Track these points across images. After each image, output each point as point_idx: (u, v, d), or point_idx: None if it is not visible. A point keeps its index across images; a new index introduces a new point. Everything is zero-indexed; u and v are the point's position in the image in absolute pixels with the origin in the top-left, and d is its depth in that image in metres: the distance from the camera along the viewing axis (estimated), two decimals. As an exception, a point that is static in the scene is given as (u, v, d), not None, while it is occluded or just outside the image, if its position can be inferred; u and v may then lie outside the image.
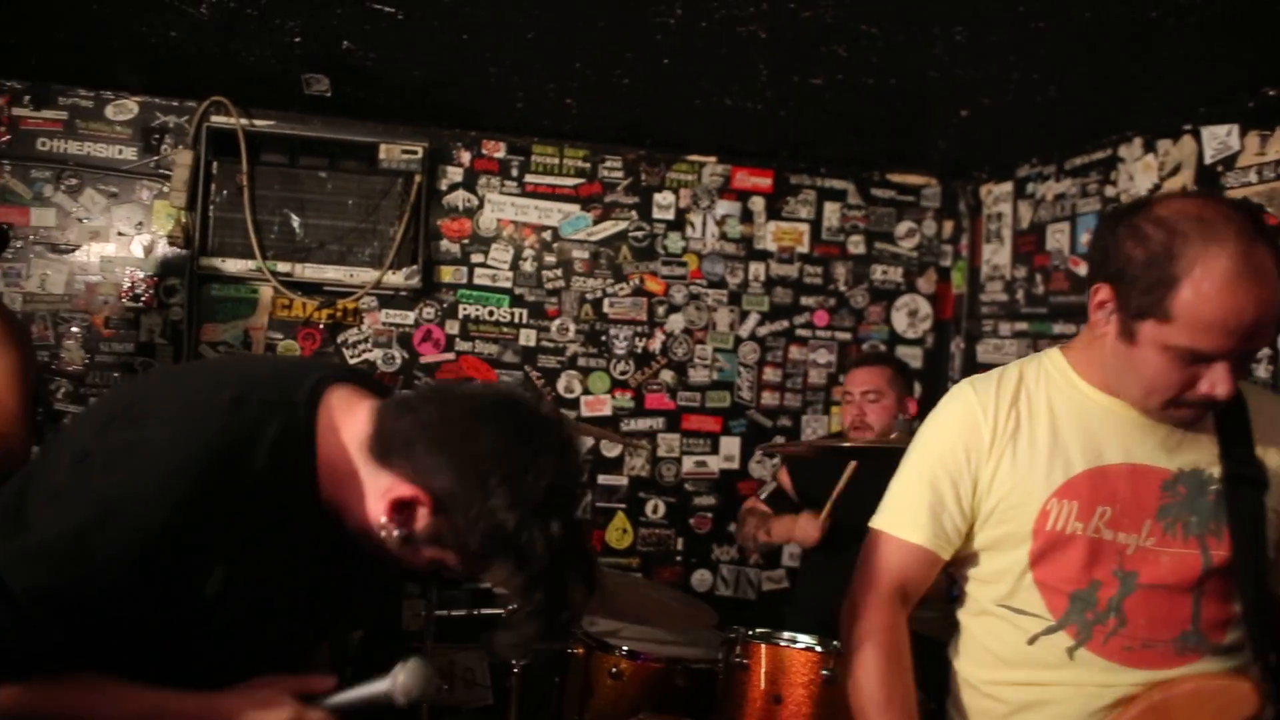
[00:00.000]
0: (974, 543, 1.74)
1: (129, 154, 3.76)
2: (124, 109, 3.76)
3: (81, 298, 3.73)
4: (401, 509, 1.31)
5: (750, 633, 2.49)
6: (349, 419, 1.38)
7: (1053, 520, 1.64)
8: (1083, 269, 3.57)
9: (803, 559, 3.55)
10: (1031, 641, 1.67)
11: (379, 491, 1.33)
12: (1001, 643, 1.72)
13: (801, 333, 4.22)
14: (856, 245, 4.26)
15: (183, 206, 3.67)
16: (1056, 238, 3.73)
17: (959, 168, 4.25)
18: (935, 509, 1.72)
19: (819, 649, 2.41)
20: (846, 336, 4.25)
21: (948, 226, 4.34)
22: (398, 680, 1.38)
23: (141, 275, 3.76)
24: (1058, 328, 3.69)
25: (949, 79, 3.11)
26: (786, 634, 2.48)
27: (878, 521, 1.80)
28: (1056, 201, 3.73)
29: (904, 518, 1.76)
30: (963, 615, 1.81)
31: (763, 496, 3.45)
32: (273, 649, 1.46)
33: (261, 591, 1.37)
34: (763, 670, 2.43)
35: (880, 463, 2.80)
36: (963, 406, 1.76)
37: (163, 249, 3.76)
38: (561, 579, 1.30)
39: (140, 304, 3.75)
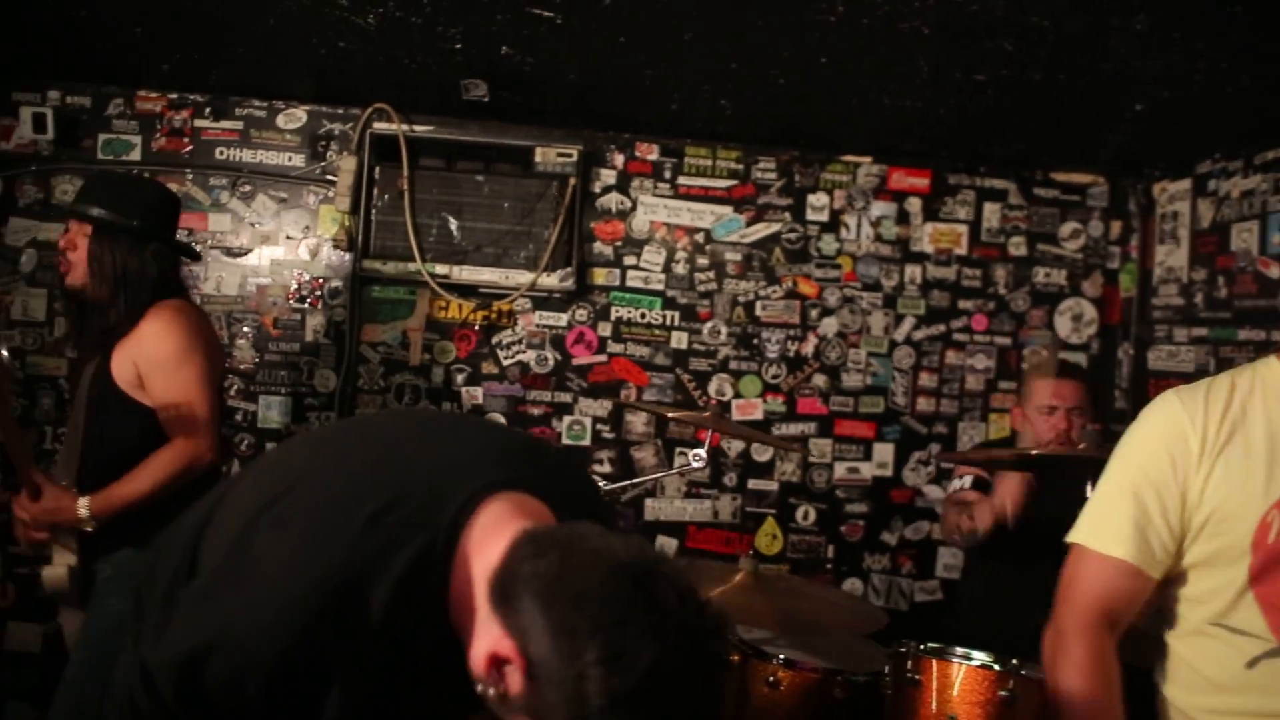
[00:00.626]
0: (1184, 559, 1.64)
1: (297, 161, 3.90)
2: (293, 118, 3.90)
3: (253, 299, 3.88)
4: (498, 666, 1.17)
5: (922, 647, 2.40)
6: (487, 547, 1.25)
7: (1275, 533, 1.53)
8: (1274, 271, 3.34)
9: (966, 570, 3.41)
10: (1251, 665, 1.56)
11: (485, 641, 1.19)
12: (1216, 666, 1.61)
13: (959, 337, 4.08)
14: (1018, 247, 4.10)
15: (347, 210, 3.79)
16: (1243, 238, 3.49)
17: (1129, 165, 4.03)
18: (1139, 522, 1.63)
19: (997, 667, 2.30)
20: (1006, 341, 4.09)
21: (1115, 227, 4.13)
22: None
23: (307, 277, 3.89)
24: (1243, 334, 3.46)
25: (1125, 71, 2.96)
26: (960, 650, 2.39)
27: (1077, 535, 1.71)
28: (1243, 199, 3.50)
29: (1106, 531, 1.67)
30: (1171, 637, 1.70)
31: (967, 485, 3.27)
32: None
33: (381, 709, 1.33)
34: (934, 687, 2.34)
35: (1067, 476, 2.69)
36: (1168, 416, 1.66)
37: (327, 252, 3.89)
38: None
39: (306, 305, 3.89)
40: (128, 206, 2.67)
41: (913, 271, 4.07)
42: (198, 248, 3.78)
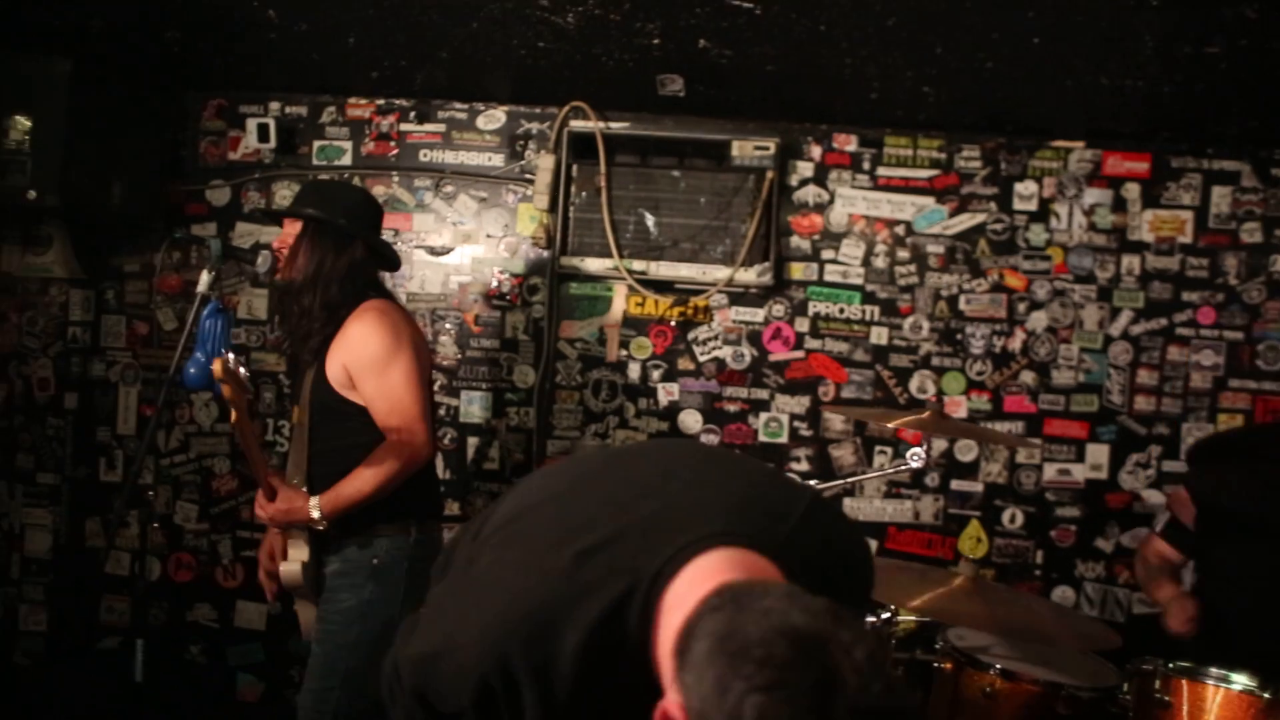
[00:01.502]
0: None
1: (497, 160, 3.99)
2: (493, 118, 3.99)
3: (455, 297, 3.99)
4: None
5: (1170, 666, 2.23)
6: (686, 601, 1.15)
7: None
8: None
9: (1202, 576, 3.13)
10: None
11: (667, 697, 1.10)
12: None
13: (1183, 331, 3.80)
14: (1251, 233, 3.78)
15: (545, 209, 3.84)
16: None
17: (1386, 140, 3.67)
18: None
19: (1265, 695, 2.11)
20: (1237, 336, 3.78)
21: (1367, 209, 3.76)
22: None
23: (507, 275, 3.97)
24: None
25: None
26: (1215, 670, 2.20)
27: None
28: None
29: None
30: None
31: (1157, 530, 3.07)
32: None
33: None
34: (1185, 711, 2.17)
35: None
36: None
37: (526, 250, 3.96)
38: None
39: (506, 302, 3.97)
40: (334, 207, 2.79)
41: (1130, 262, 3.82)
42: (402, 248, 3.93)
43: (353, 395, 2.73)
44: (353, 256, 2.76)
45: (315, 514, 2.65)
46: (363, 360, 2.69)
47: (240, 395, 2.41)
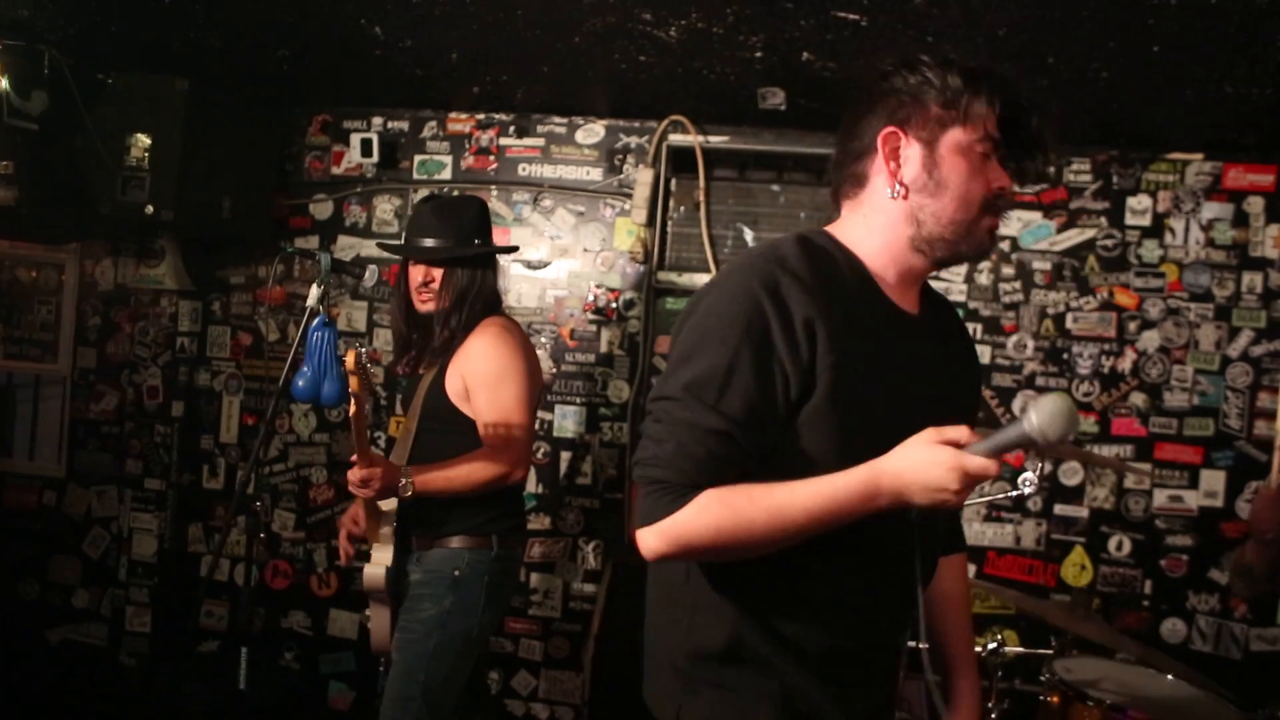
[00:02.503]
0: None
1: (594, 174, 3.99)
2: (591, 133, 4.00)
3: (551, 311, 4.00)
4: (890, 144, 1.55)
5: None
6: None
7: None
8: None
9: None
10: None
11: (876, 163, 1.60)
12: None
13: (1308, 353, 3.63)
14: (1386, 249, 3.60)
15: (643, 223, 3.83)
16: None
17: None
18: None
19: None
20: (1369, 358, 3.60)
21: None
22: (1031, 420, 1.29)
23: (603, 289, 3.97)
24: None
25: None
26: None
27: None
28: None
29: None
30: None
31: None
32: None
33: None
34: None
35: None
36: None
37: (623, 264, 3.95)
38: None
39: (602, 317, 3.96)
40: (462, 232, 2.85)
41: (1252, 279, 3.66)
42: (500, 262, 3.95)
43: (465, 408, 2.78)
44: (487, 278, 2.87)
45: (405, 480, 2.65)
46: (481, 373, 2.75)
47: (364, 389, 2.47)
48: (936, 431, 1.36)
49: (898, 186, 1.54)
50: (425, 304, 2.87)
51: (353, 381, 2.44)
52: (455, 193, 4.01)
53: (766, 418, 1.44)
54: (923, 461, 1.34)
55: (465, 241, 2.84)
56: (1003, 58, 3.04)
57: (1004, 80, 1.52)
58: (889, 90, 1.56)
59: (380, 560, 2.86)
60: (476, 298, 2.83)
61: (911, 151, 1.53)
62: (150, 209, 3.40)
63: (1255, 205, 3.66)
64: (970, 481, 1.32)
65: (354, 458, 2.60)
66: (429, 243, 2.84)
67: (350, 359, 2.39)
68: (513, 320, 2.94)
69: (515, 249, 3.24)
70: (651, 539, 1.45)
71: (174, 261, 4.18)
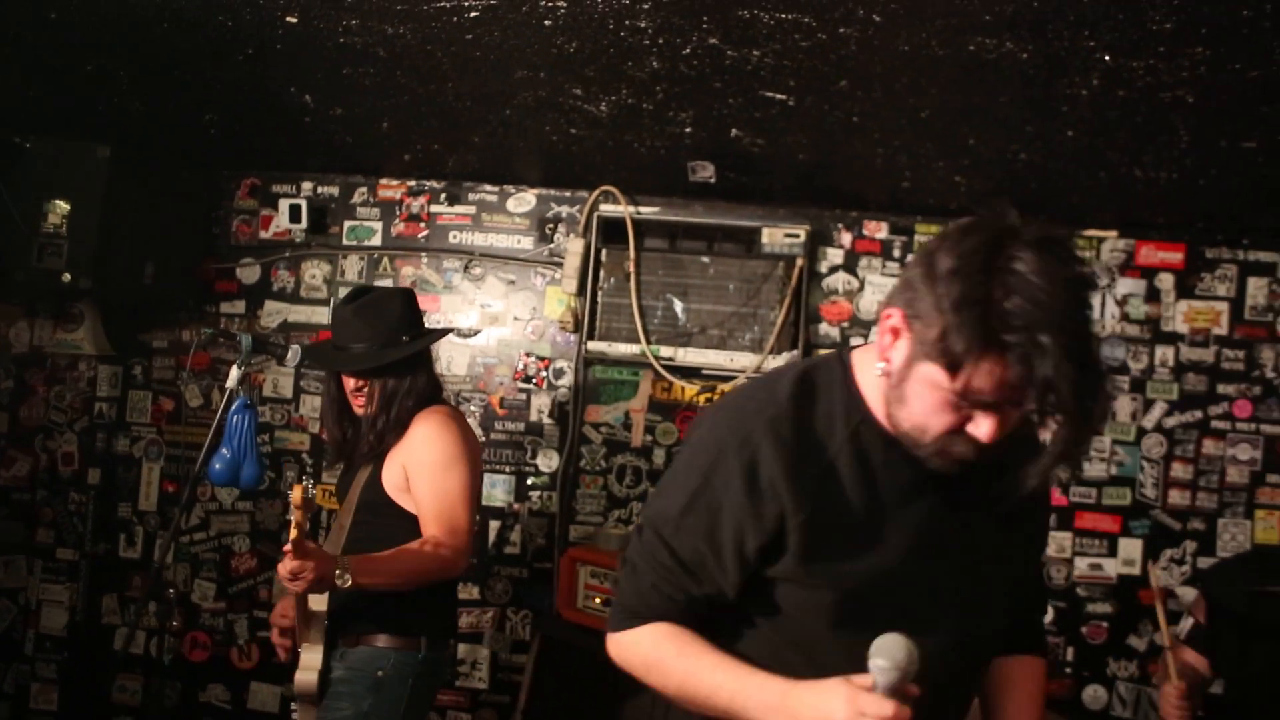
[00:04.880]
0: None
1: (526, 243, 4.00)
2: (523, 201, 4.01)
3: (481, 379, 3.98)
4: (888, 323, 1.39)
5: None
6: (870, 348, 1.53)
7: None
8: None
9: (1226, 676, 2.99)
10: None
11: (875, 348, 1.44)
12: None
13: (1218, 425, 3.74)
14: (1288, 326, 3.74)
15: (573, 292, 3.84)
16: None
17: None
18: None
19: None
20: (1275, 430, 3.72)
21: None
22: (879, 663, 1.31)
23: (533, 358, 3.96)
24: None
25: None
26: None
27: None
28: None
29: None
30: None
31: (1181, 637, 2.93)
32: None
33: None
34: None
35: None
36: None
37: (553, 333, 3.95)
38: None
39: (531, 385, 3.95)
40: (389, 331, 2.76)
41: (1164, 353, 3.78)
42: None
43: (404, 500, 2.69)
44: (417, 378, 2.78)
45: (340, 569, 2.46)
46: (424, 462, 2.66)
47: (305, 518, 2.37)
48: (847, 682, 1.34)
49: (881, 364, 1.43)
50: (360, 408, 2.81)
51: (297, 514, 2.33)
52: (385, 260, 3.98)
53: (715, 566, 1.46)
54: (820, 701, 1.33)
55: (392, 341, 2.75)
56: (925, 138, 3.13)
57: (1042, 346, 1.20)
58: (921, 275, 1.34)
59: (310, 664, 2.73)
60: (407, 396, 2.74)
61: (898, 349, 1.39)
62: (67, 276, 3.32)
63: (1166, 281, 3.78)
64: None
65: (286, 548, 2.49)
66: (357, 347, 2.75)
67: (297, 494, 2.30)
68: (456, 409, 2.87)
69: (448, 332, 3.12)
70: (610, 646, 1.54)
71: (93, 326, 4.07)
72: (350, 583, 2.48)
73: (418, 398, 2.76)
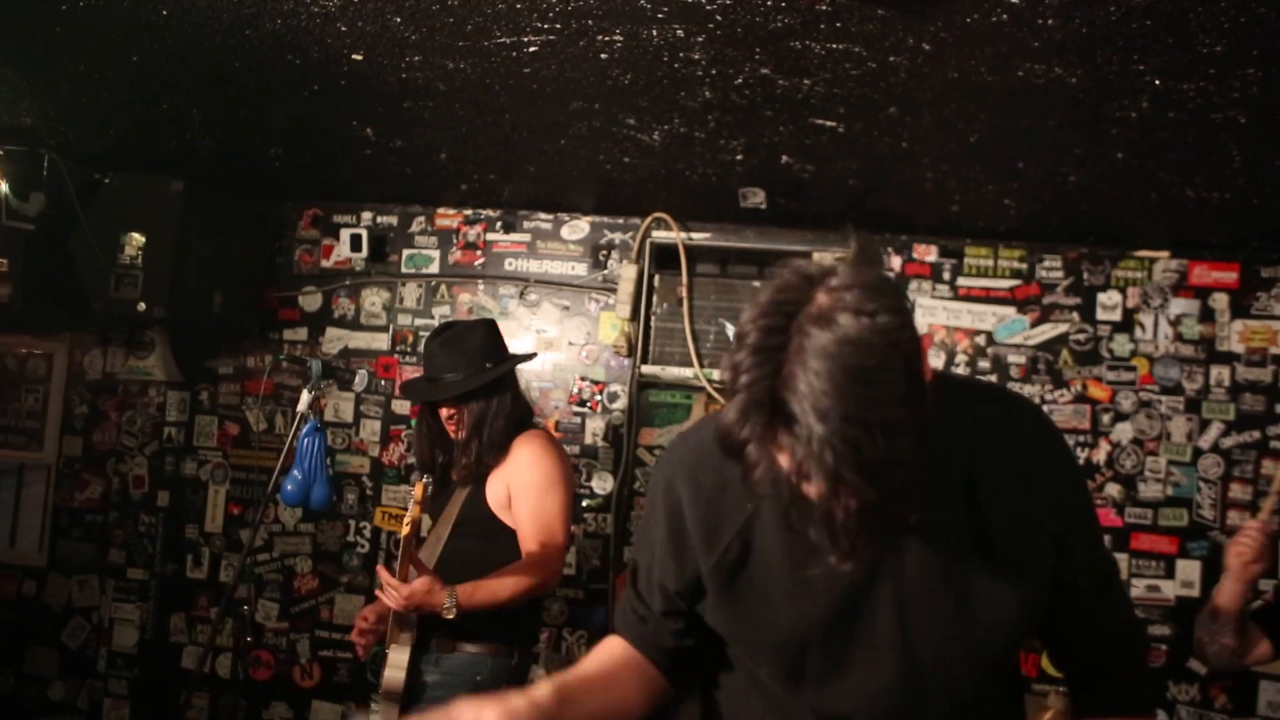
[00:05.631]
0: None
1: (580, 269, 4.09)
2: (577, 229, 4.10)
3: (536, 403, 4.06)
4: None
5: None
6: None
7: None
8: None
9: None
10: None
11: None
12: None
13: (1277, 445, 3.71)
14: (1345, 344, 3.70)
15: (627, 317, 3.91)
16: None
17: None
18: None
19: None
20: (1335, 449, 3.68)
21: None
22: None
23: (588, 382, 4.03)
24: None
25: None
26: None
27: None
28: None
29: None
30: None
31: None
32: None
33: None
34: None
35: None
36: None
37: (607, 357, 4.02)
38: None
39: (586, 409, 4.02)
40: (472, 360, 2.89)
41: (1219, 373, 3.75)
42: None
43: (505, 516, 2.83)
44: (504, 400, 2.90)
45: (448, 599, 2.62)
46: (527, 483, 2.80)
47: (418, 513, 2.54)
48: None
49: None
50: (454, 433, 2.94)
51: (415, 509, 2.50)
52: (443, 287, 4.09)
53: (651, 600, 1.52)
54: None
55: (476, 368, 2.88)
56: (974, 162, 3.16)
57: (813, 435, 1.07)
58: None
59: (398, 663, 2.85)
60: (496, 418, 2.87)
61: None
62: (142, 306, 3.46)
63: (1220, 301, 3.77)
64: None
65: (392, 572, 2.60)
66: (447, 378, 2.90)
67: (419, 490, 2.50)
68: (551, 434, 3.05)
69: (530, 357, 3.19)
70: None
71: (163, 353, 4.22)
72: (455, 615, 2.60)
73: (507, 419, 2.88)
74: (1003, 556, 1.36)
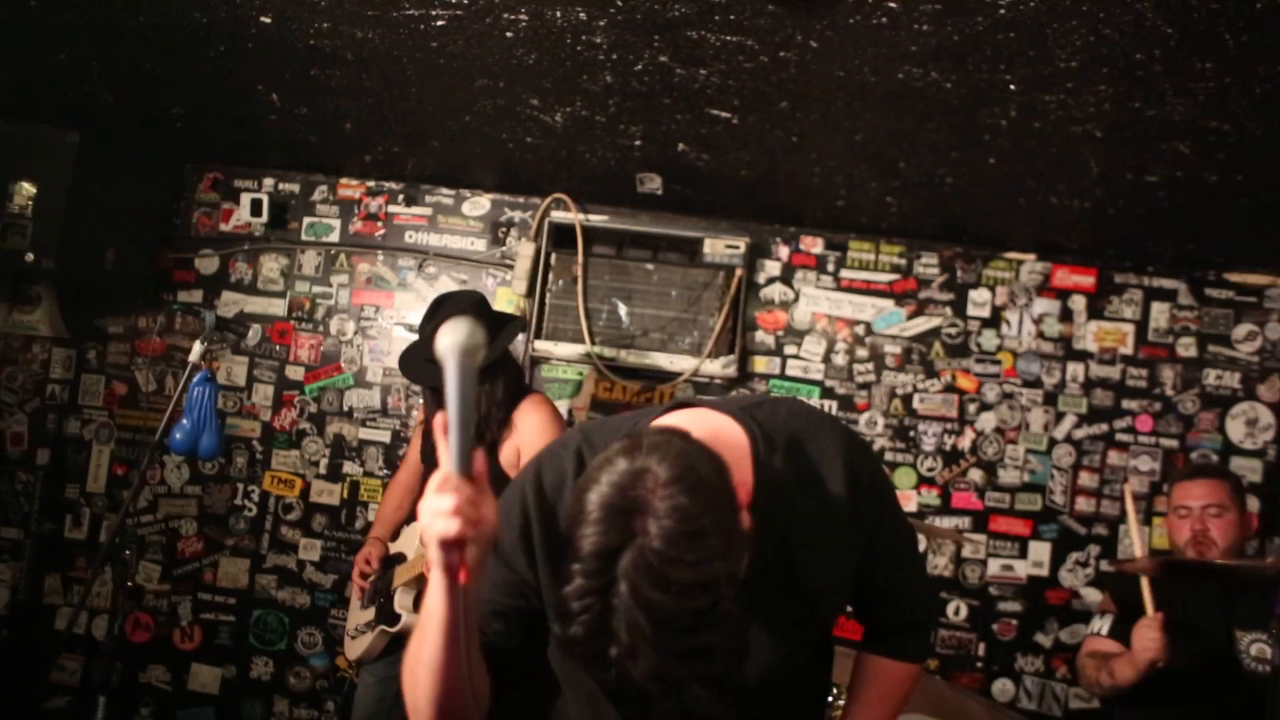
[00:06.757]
0: None
1: (479, 245, 4.16)
2: (478, 205, 4.17)
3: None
4: None
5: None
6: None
7: None
8: None
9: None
10: None
11: None
12: None
13: (1122, 438, 4.01)
14: (1187, 348, 4.02)
15: (523, 294, 4.01)
16: None
17: (1312, 266, 3.93)
18: None
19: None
20: (1173, 444, 4.00)
21: (1295, 330, 4.02)
22: (438, 347, 1.22)
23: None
24: None
25: (1312, 173, 2.93)
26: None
27: None
28: None
29: None
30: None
31: (1103, 632, 3.19)
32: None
33: None
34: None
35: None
36: None
37: (503, 332, 4.10)
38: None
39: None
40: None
41: (1075, 369, 4.04)
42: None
43: (514, 474, 2.93)
44: (495, 377, 3.01)
45: None
46: (536, 446, 2.87)
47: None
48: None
49: None
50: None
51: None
52: (342, 257, 4.11)
53: (498, 606, 1.55)
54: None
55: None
56: (859, 160, 3.34)
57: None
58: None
59: (405, 605, 3.07)
60: (493, 390, 2.99)
61: None
62: (30, 256, 3.41)
63: (1078, 303, 4.06)
64: (459, 488, 1.24)
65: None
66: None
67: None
68: (546, 397, 3.19)
69: (520, 330, 3.22)
70: None
71: (50, 308, 4.14)
72: None
73: (504, 390, 3.03)
74: (813, 594, 1.58)
